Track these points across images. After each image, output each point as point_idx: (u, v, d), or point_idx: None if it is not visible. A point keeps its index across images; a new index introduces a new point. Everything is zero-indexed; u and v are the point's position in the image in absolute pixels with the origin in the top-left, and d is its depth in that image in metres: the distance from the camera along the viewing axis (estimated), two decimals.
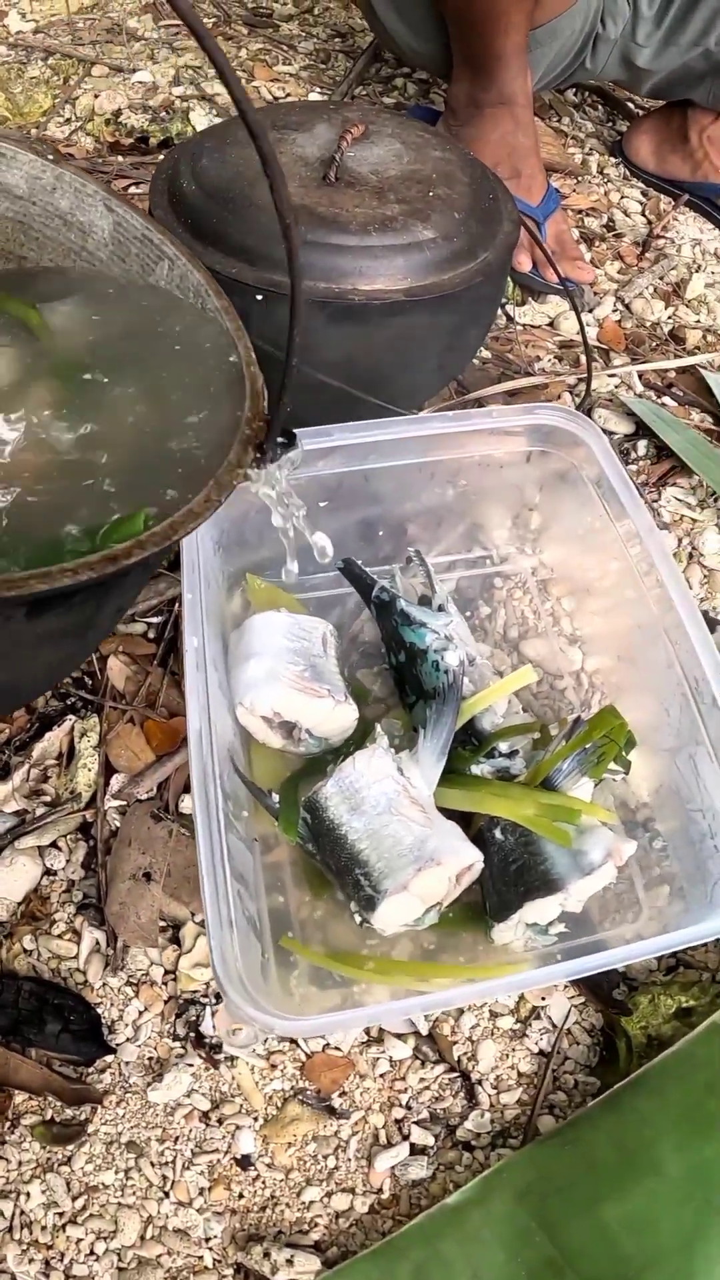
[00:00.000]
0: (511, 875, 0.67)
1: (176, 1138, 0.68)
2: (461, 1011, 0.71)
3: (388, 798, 0.67)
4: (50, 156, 0.73)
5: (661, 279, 1.27)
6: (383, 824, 0.66)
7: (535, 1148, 0.67)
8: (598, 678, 0.83)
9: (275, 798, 0.69)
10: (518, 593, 0.88)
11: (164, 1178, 0.67)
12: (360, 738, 0.73)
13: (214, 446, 0.60)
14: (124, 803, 0.77)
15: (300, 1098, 0.69)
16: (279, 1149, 0.68)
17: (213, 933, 0.56)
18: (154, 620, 0.86)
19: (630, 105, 1.52)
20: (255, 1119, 0.69)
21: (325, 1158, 0.68)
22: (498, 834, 0.68)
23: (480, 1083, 0.71)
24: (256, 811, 0.70)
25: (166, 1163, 0.67)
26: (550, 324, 1.19)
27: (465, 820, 0.70)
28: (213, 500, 0.55)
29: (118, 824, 0.76)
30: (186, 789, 0.76)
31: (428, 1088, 0.71)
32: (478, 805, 0.69)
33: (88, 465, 0.60)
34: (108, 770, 0.78)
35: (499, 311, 1.18)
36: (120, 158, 1.33)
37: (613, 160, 1.43)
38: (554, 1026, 0.72)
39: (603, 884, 0.67)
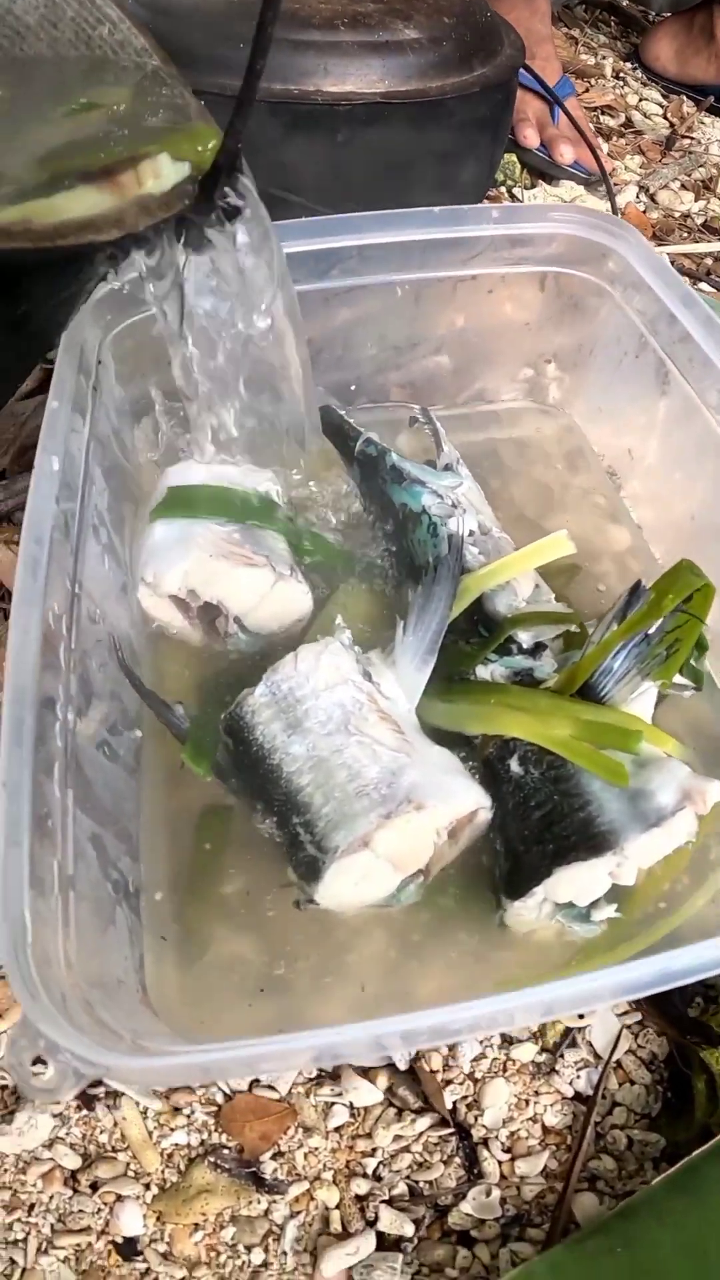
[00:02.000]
0: (535, 827, 0.39)
1: (31, 1206, 0.40)
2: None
3: (344, 710, 0.39)
4: None
5: (689, 174, 1.01)
6: (335, 748, 0.38)
7: (566, 1249, 0.39)
8: (651, 565, 0.54)
9: (181, 712, 0.42)
10: (538, 465, 0.60)
11: (11, 1262, 0.39)
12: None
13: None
14: None
15: (213, 1159, 0.41)
16: (180, 1233, 0.40)
17: (2, 890, 0.28)
18: None
19: (643, 20, 1.26)
20: (146, 1186, 0.41)
21: (249, 1249, 0.40)
22: (515, 766, 0.40)
23: (486, 1143, 0.43)
24: (158, 737, 0.43)
25: (15, 1241, 0.39)
26: None
27: (466, 747, 0.42)
28: (134, 214, 0.31)
29: None
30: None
31: (406, 1149, 0.42)
32: (485, 723, 0.41)
33: None
34: None
35: (506, 194, 0.91)
36: None
37: (628, 66, 1.17)
38: (595, 1058, 0.44)
39: (676, 843, 0.39)
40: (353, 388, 0.59)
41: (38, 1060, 0.27)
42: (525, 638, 0.43)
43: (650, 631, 0.42)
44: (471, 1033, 0.37)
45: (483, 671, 0.43)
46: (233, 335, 0.43)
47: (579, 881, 0.38)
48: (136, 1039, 0.30)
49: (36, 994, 0.27)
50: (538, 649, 0.43)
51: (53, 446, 0.38)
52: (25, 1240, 0.40)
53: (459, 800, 0.38)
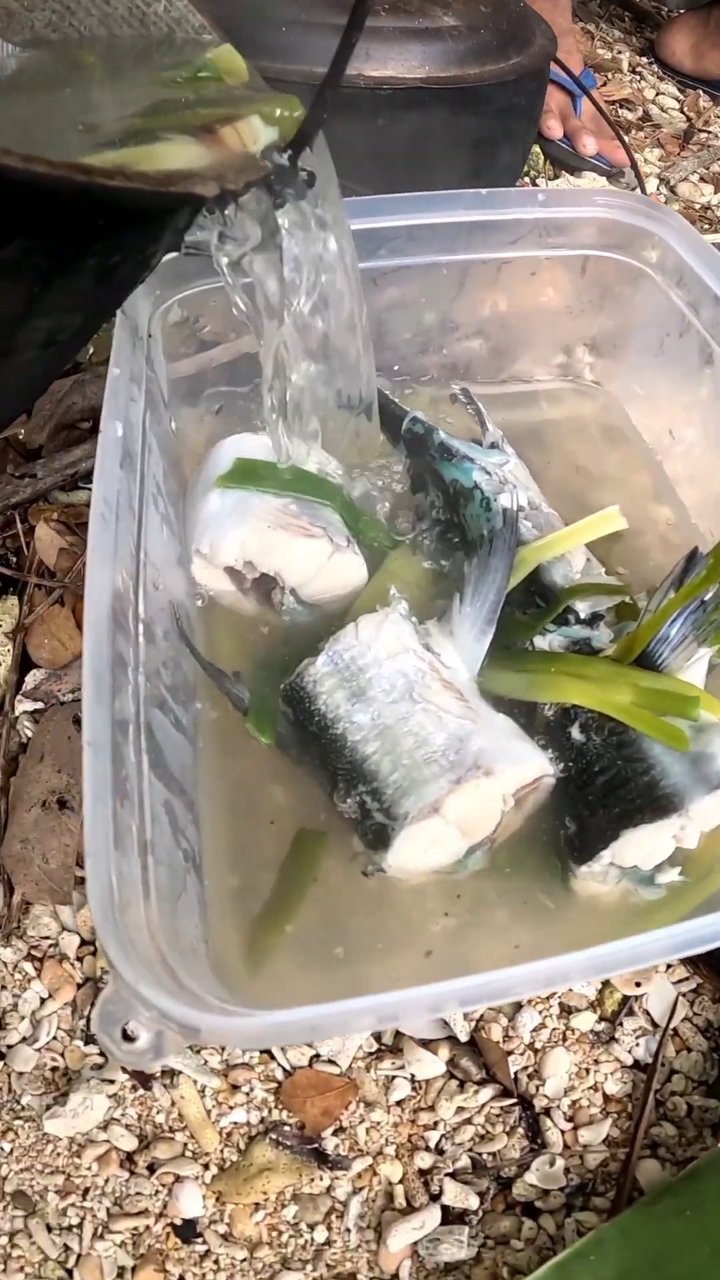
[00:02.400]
0: (599, 792, 0.38)
1: (86, 1190, 0.40)
2: (519, 1006, 0.43)
3: (407, 679, 0.39)
4: None
5: (707, 167, 1.01)
6: (400, 715, 0.38)
7: (635, 1213, 0.38)
8: (698, 541, 0.53)
9: (240, 683, 0.41)
10: (578, 444, 0.59)
11: (65, 1249, 0.39)
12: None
13: None
14: (41, 705, 0.49)
15: (274, 1136, 0.41)
16: (240, 1213, 0.39)
17: (91, 850, 0.28)
18: None
19: (658, 15, 1.26)
20: (205, 1166, 0.40)
21: (312, 1228, 0.39)
22: (576, 733, 0.40)
23: (549, 1113, 0.42)
24: (217, 708, 0.43)
25: (70, 1227, 0.39)
26: None
27: (527, 715, 0.42)
28: (234, 171, 0.31)
29: (30, 734, 0.48)
30: None
31: (469, 1121, 0.42)
32: (546, 691, 0.40)
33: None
34: (23, 666, 0.51)
35: (529, 184, 0.91)
36: None
37: (644, 60, 1.17)
38: (654, 1026, 0.43)
39: None
40: (395, 367, 0.59)
41: (125, 1035, 0.27)
42: (582, 608, 0.43)
43: (706, 598, 0.42)
44: (528, 990, 0.36)
45: (540, 642, 0.42)
46: (309, 306, 0.42)
47: (645, 844, 0.38)
48: (220, 1000, 0.30)
49: (131, 957, 0.26)
50: (595, 619, 0.43)
51: (116, 412, 0.37)
52: (80, 1225, 0.39)
53: (526, 765, 0.37)
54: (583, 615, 0.43)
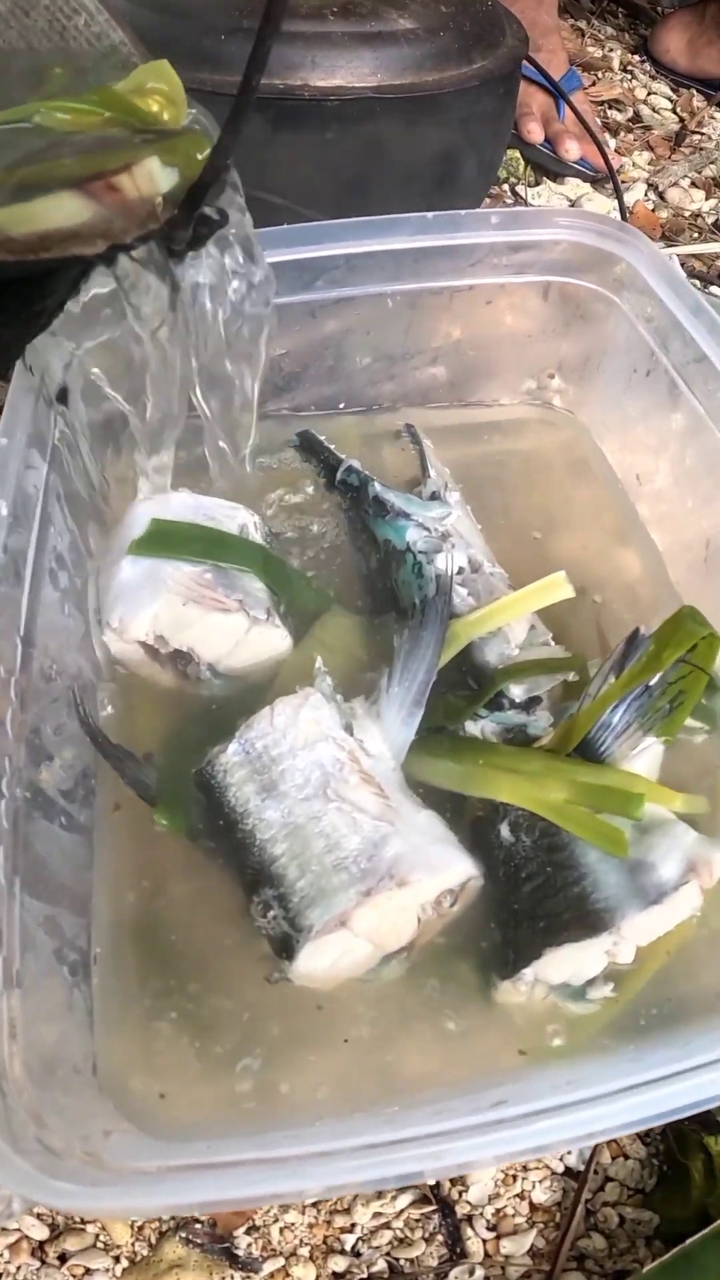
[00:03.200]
0: (526, 901, 0.35)
1: None
2: None
3: (323, 771, 0.35)
4: None
5: (699, 171, 0.95)
6: (312, 814, 0.34)
7: None
8: (664, 591, 0.49)
9: (149, 768, 0.38)
10: (541, 480, 0.55)
11: None
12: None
13: None
14: None
15: (185, 1234, 0.38)
16: None
17: None
18: None
19: (653, 11, 1.19)
20: (116, 1260, 0.38)
21: None
22: (505, 832, 0.36)
23: (470, 1220, 0.39)
24: (117, 789, 0.39)
25: None
26: (571, 206, 0.87)
27: (453, 804, 0.38)
28: (123, 225, 0.27)
29: None
30: None
31: (387, 1225, 0.39)
32: (473, 785, 0.37)
33: None
34: None
35: (508, 191, 0.86)
36: None
37: (636, 58, 1.10)
38: None
39: (678, 918, 0.35)
40: (341, 404, 0.55)
41: None
42: (518, 691, 0.39)
43: (651, 684, 0.38)
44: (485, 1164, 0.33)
45: (472, 727, 0.38)
46: (207, 350, 0.38)
47: (572, 961, 0.34)
48: (90, 1148, 0.27)
49: None
50: (531, 703, 0.39)
51: (3, 490, 0.34)
52: None
53: (447, 873, 0.34)
54: (518, 699, 0.39)
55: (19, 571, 0.33)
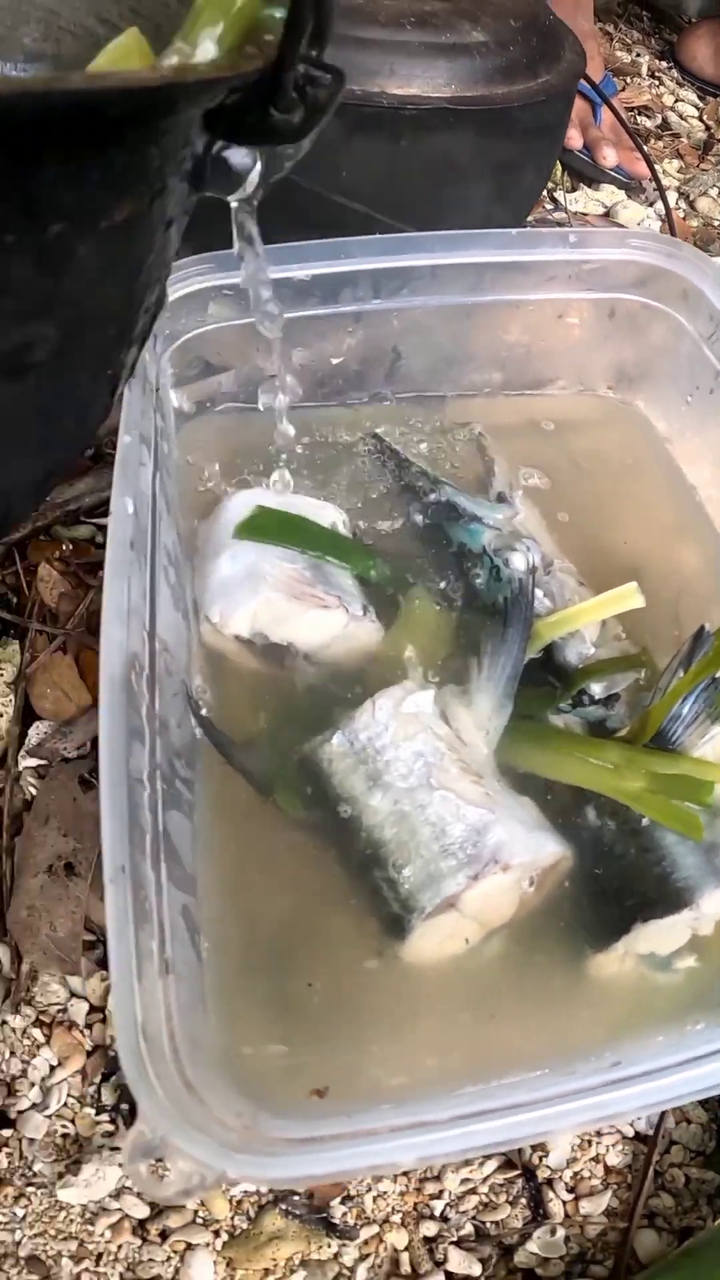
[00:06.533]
0: (613, 879, 0.38)
1: (99, 1256, 0.40)
2: None
3: (425, 762, 0.38)
4: None
5: None
6: (418, 803, 0.37)
7: None
8: None
9: (253, 755, 0.40)
10: (604, 479, 0.56)
11: None
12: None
13: None
14: (44, 761, 0.48)
15: (283, 1206, 0.41)
16: (250, 1279, 0.40)
17: (118, 986, 0.27)
18: (103, 521, 0.57)
19: (677, 16, 1.21)
20: (216, 1234, 0.40)
21: None
22: (591, 815, 0.39)
23: (551, 1183, 0.42)
24: (219, 777, 0.41)
25: None
26: (606, 213, 0.89)
27: (544, 788, 0.41)
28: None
29: (34, 792, 0.47)
30: None
31: (473, 1190, 0.42)
32: (560, 771, 0.39)
33: None
34: (26, 716, 0.49)
35: (546, 197, 0.88)
36: None
37: (664, 65, 1.12)
38: None
39: None
40: (405, 400, 0.57)
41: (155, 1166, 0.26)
42: (597, 689, 0.42)
43: (718, 676, 0.41)
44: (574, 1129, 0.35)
45: (556, 721, 0.41)
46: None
47: (658, 935, 0.37)
48: (246, 1126, 0.29)
49: (163, 1107, 0.25)
50: (610, 700, 0.41)
51: (126, 487, 0.36)
52: None
53: (543, 855, 0.37)
54: (598, 695, 0.41)
55: (143, 568, 0.35)
